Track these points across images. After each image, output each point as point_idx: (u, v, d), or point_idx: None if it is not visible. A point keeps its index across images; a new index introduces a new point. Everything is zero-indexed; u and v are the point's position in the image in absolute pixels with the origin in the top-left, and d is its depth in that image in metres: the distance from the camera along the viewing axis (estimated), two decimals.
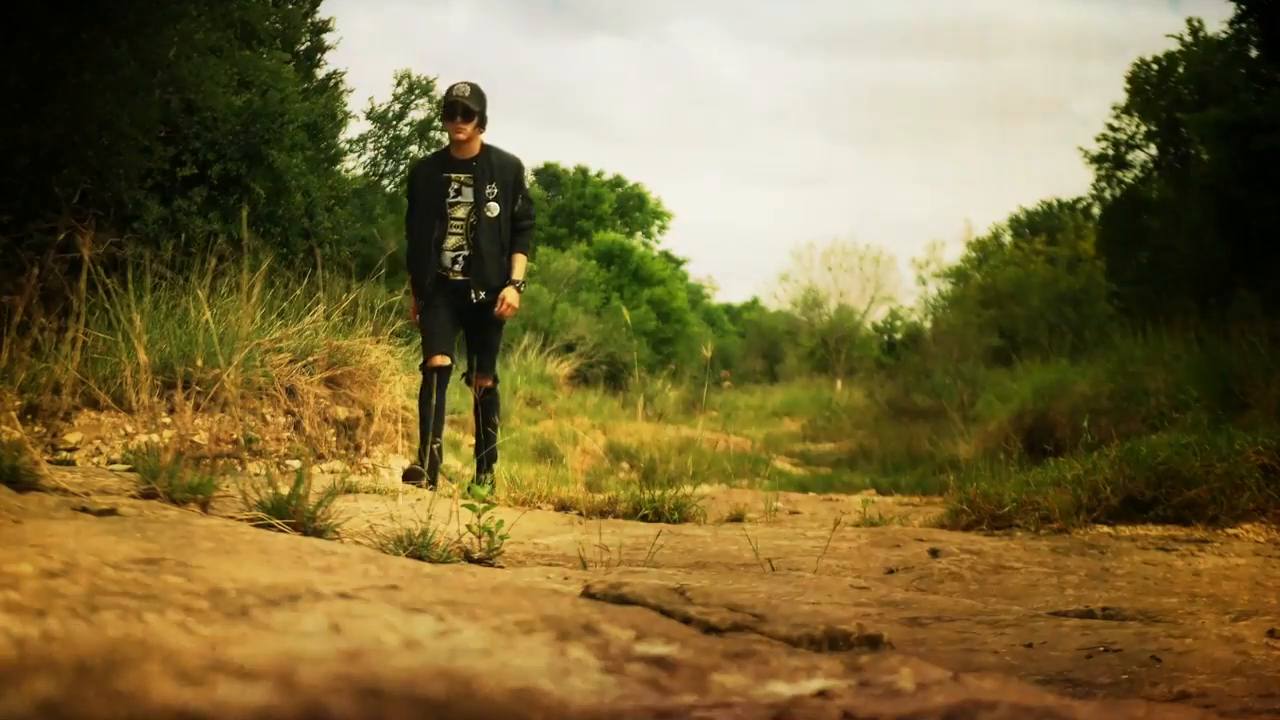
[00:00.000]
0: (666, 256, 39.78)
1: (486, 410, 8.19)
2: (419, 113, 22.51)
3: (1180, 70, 24.77)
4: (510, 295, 7.93)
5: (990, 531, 5.45)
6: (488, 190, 7.82)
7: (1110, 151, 26.12)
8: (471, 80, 7.86)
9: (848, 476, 18.44)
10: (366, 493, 6.25)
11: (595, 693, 1.27)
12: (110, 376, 8.88)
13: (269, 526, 3.08)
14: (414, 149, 22.64)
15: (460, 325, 8.12)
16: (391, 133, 22.38)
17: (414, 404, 11.38)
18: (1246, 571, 4.19)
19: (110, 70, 11.77)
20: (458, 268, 7.85)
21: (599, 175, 41.56)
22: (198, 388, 8.94)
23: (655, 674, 1.39)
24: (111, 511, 2.73)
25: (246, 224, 14.04)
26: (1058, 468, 5.86)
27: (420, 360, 8.13)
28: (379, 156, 22.81)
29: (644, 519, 5.89)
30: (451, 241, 7.88)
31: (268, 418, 8.99)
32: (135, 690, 0.87)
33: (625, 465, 19.95)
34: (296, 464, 8.86)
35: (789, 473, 22.34)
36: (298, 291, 10.31)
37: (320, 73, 19.52)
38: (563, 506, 6.21)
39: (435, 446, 7.74)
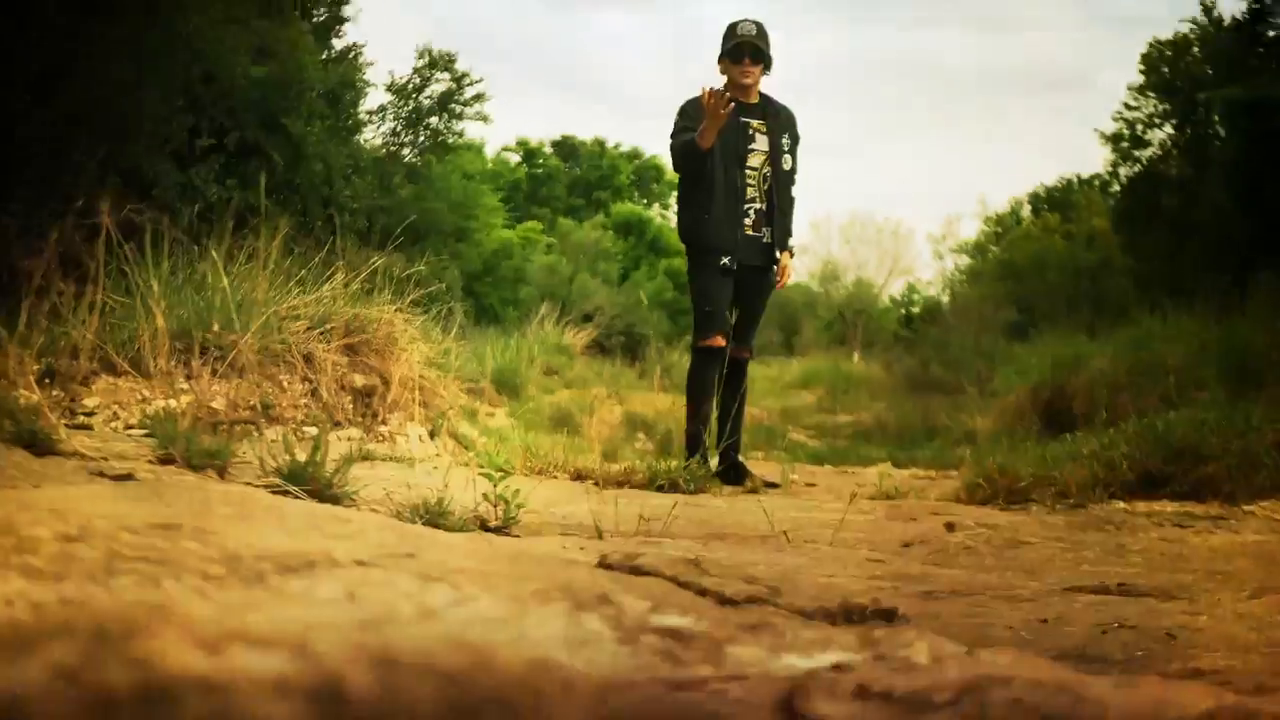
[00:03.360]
0: None
1: (740, 385, 7.28)
2: (439, 85, 22.47)
3: (1196, 50, 24.65)
4: (790, 264, 7.34)
5: (1006, 506, 5.44)
6: (784, 141, 7.17)
7: (1126, 131, 26.03)
8: (754, 18, 7.06)
9: (864, 449, 18.45)
10: (384, 460, 6.26)
11: (610, 664, 1.28)
12: (128, 342, 8.90)
13: (286, 493, 3.08)
14: (434, 120, 22.60)
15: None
16: (412, 103, 22.35)
17: (431, 374, 11.39)
18: (1262, 548, 4.19)
19: (130, 40, 11.77)
20: (748, 221, 7.09)
21: (616, 147, 41.56)
22: (215, 353, 8.98)
23: (670, 646, 1.39)
24: (129, 476, 2.74)
25: (264, 191, 14.08)
26: (1074, 443, 5.86)
27: (699, 335, 7.16)
28: (399, 127, 22.75)
29: (660, 489, 5.89)
30: (746, 194, 7.09)
31: (285, 384, 9.00)
32: (153, 656, 0.88)
33: (642, 435, 19.98)
34: (313, 430, 8.88)
35: (805, 445, 22.36)
36: (316, 259, 10.32)
37: (339, 44, 19.50)
38: (579, 476, 6.20)
39: (701, 429, 6.99)
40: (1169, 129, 25.94)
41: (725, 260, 6.84)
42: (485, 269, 27.89)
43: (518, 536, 3.36)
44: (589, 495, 5.51)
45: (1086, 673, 1.55)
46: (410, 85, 21.96)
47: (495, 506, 3.36)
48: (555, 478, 6.17)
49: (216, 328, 8.94)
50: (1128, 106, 25.83)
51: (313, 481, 3.13)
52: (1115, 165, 27.40)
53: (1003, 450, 14.03)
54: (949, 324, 30.03)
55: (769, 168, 7.06)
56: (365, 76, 18.80)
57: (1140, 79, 25.61)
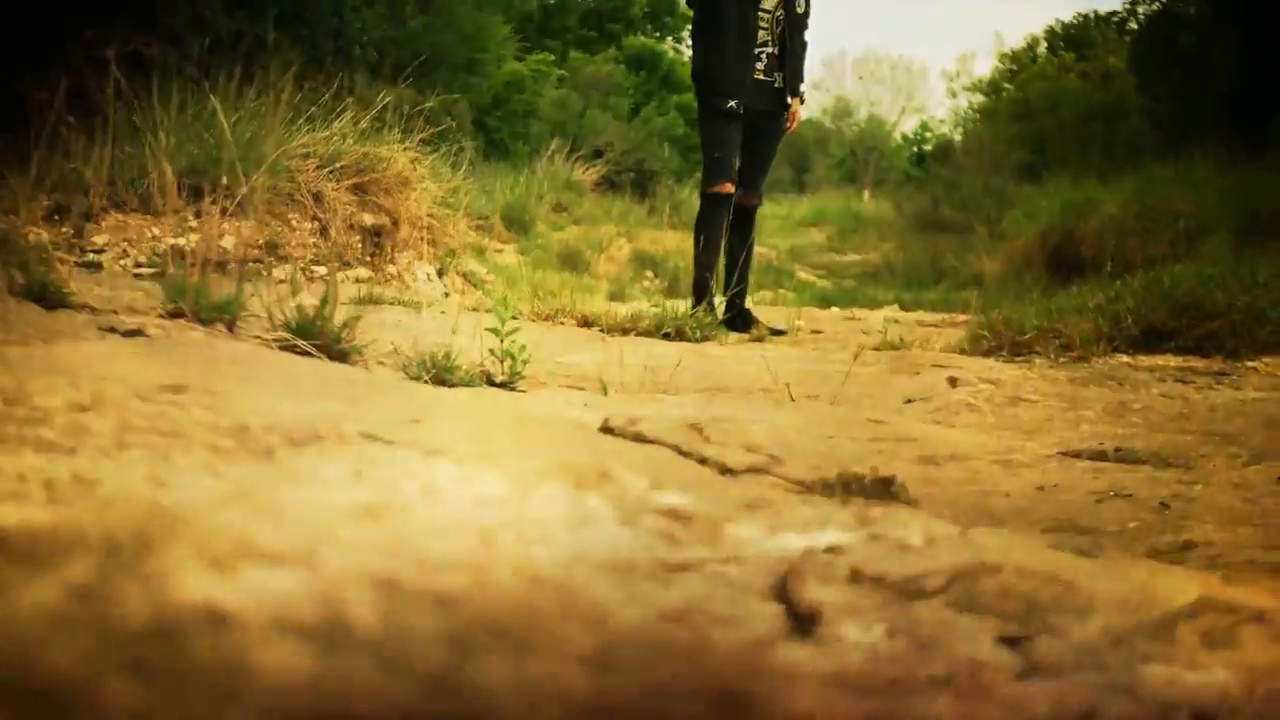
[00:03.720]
0: None
1: (748, 232, 7.24)
2: None
3: None
4: (799, 109, 7.20)
5: (1010, 358, 5.47)
6: None
7: None
8: None
9: (871, 290, 18.46)
10: (391, 304, 6.26)
11: (610, 548, 1.30)
12: (137, 179, 8.89)
13: (294, 348, 3.11)
14: None
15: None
16: None
17: (440, 212, 11.37)
18: (1261, 408, 4.22)
19: None
20: (760, 66, 6.94)
21: None
22: (224, 192, 8.97)
23: (669, 526, 1.42)
24: (139, 332, 2.76)
25: (273, 24, 13.95)
26: (1079, 295, 5.87)
27: (708, 181, 7.05)
28: None
29: (666, 337, 5.91)
30: (759, 38, 6.91)
31: (294, 224, 9.01)
32: (165, 574, 0.90)
33: (650, 274, 20.00)
34: (322, 270, 8.90)
35: (813, 284, 22.39)
36: (326, 95, 10.26)
37: None
38: (586, 323, 6.21)
39: (708, 276, 6.96)
40: None
41: (733, 104, 6.77)
42: (496, 102, 27.68)
43: (523, 391, 3.38)
44: (595, 343, 5.54)
45: (1078, 547, 1.59)
46: None
47: (502, 362, 3.37)
48: (562, 324, 6.19)
49: (225, 167, 8.93)
50: None
51: (321, 336, 3.15)
52: (1133, 3, 27.09)
53: (1009, 299, 14.08)
54: (960, 163, 29.85)
55: (782, 10, 6.92)
56: None
57: None
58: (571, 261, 18.68)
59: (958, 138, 39.71)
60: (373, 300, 6.25)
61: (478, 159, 23.30)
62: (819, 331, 7.34)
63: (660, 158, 28.03)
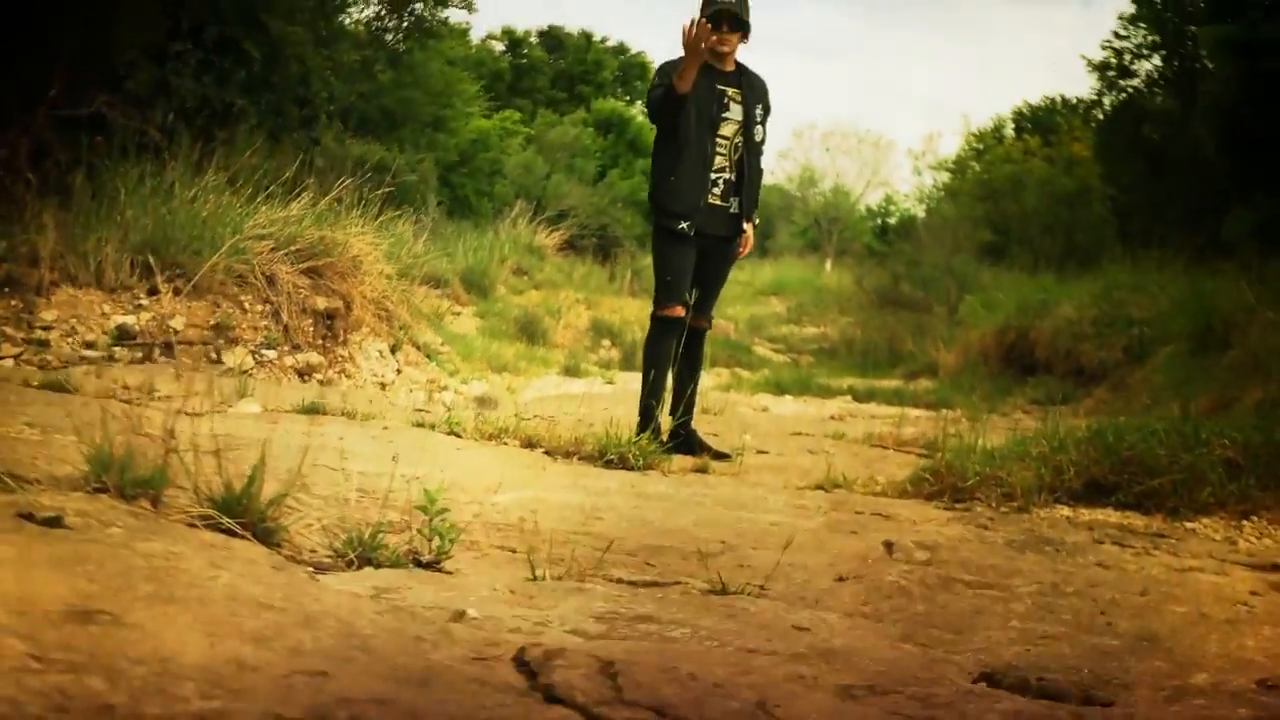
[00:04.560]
0: None
1: (698, 354, 7.22)
2: None
3: None
4: (751, 235, 7.22)
5: (951, 504, 5.48)
6: (757, 112, 7.04)
7: (1114, 60, 26.00)
8: None
9: (826, 377, 18.53)
10: (335, 415, 6.22)
11: None
12: (92, 252, 8.85)
13: (218, 526, 3.08)
14: (418, 4, 22.36)
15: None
16: None
17: (396, 294, 11.36)
18: (1194, 589, 4.23)
19: None
20: (717, 191, 6.95)
21: (602, 41, 41.14)
22: (177, 270, 8.94)
23: None
24: (58, 521, 2.73)
25: (240, 89, 13.95)
26: (1023, 443, 5.86)
27: (659, 304, 6.98)
28: (383, 10, 22.53)
29: (609, 464, 5.88)
30: (715, 163, 6.94)
31: (246, 306, 9.00)
32: None
33: (607, 343, 20.03)
34: (272, 354, 8.89)
35: (769, 359, 22.48)
36: (287, 175, 10.26)
37: None
38: (529, 443, 6.18)
39: (654, 403, 6.86)
40: (1157, 60, 25.91)
41: (684, 225, 6.78)
42: (461, 159, 27.74)
43: (449, 573, 3.35)
44: (535, 473, 5.52)
45: None
46: None
47: (429, 540, 3.35)
48: (506, 444, 6.16)
49: (180, 246, 8.91)
50: (1117, 35, 25.75)
51: (247, 514, 3.12)
52: (1100, 94, 27.38)
53: (963, 393, 14.17)
54: (923, 240, 30.04)
55: (741, 137, 6.94)
56: None
57: (1131, 8, 25.52)
58: (529, 329, 18.69)
59: (921, 214, 39.97)
60: (316, 410, 6.22)
61: (441, 217, 23.40)
62: (764, 452, 7.33)
63: (624, 224, 28.13)
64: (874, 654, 3.01)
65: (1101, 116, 28.48)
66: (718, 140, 6.86)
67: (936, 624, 3.47)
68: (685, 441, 6.82)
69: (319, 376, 9.01)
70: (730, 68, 6.97)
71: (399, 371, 10.98)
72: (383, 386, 10.31)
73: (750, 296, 30.66)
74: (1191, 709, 2.80)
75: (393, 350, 11.05)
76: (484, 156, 28.42)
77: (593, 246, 27.36)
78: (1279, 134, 17.88)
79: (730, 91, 6.90)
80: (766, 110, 7.10)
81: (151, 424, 3.75)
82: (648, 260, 25.11)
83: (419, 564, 3.34)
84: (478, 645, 2.59)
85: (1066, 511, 5.43)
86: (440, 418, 6.48)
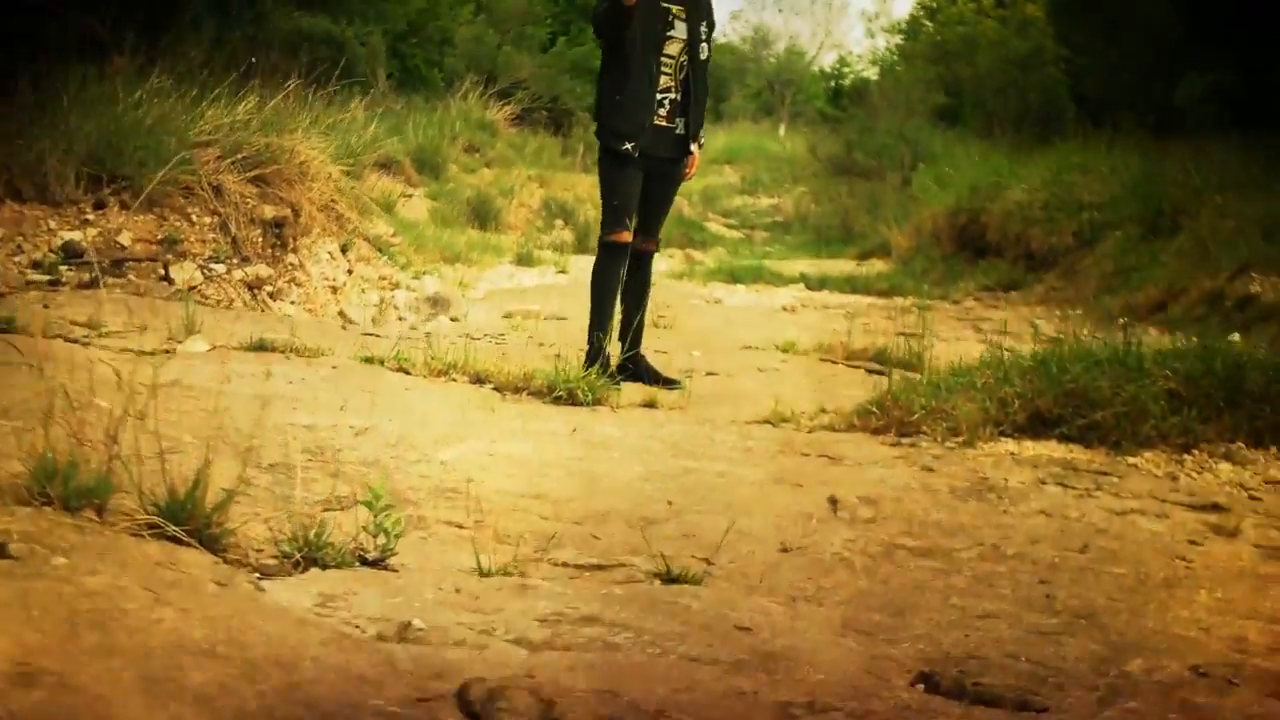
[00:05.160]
0: None
1: (647, 279, 7.19)
2: None
3: None
4: (698, 155, 7.15)
5: (898, 440, 5.52)
6: (702, 29, 6.93)
7: None
8: None
9: (780, 254, 18.54)
10: (283, 353, 6.18)
11: None
12: (34, 164, 8.71)
13: (163, 533, 3.10)
14: None
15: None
16: None
17: (343, 197, 11.27)
18: (1136, 540, 4.30)
19: None
20: (662, 112, 6.85)
21: None
22: (124, 183, 8.82)
23: None
24: (3, 550, 2.74)
25: None
26: (968, 374, 5.89)
27: (605, 229, 6.94)
28: None
29: (558, 400, 5.89)
30: (661, 83, 6.84)
31: (194, 218, 8.90)
32: None
33: (560, 222, 19.96)
34: (221, 268, 8.80)
35: (723, 236, 22.46)
36: (233, 76, 10.12)
37: None
38: (478, 379, 6.16)
39: (602, 335, 6.85)
40: None
41: (628, 146, 6.72)
42: (411, 29, 27.38)
43: (395, 570, 3.38)
44: (483, 414, 5.54)
45: None
46: None
47: (375, 538, 3.37)
48: (454, 380, 6.15)
49: (126, 157, 8.80)
50: None
51: (192, 519, 3.14)
52: None
53: (914, 278, 14.22)
54: (875, 106, 29.89)
55: (686, 56, 6.85)
56: None
57: None
58: (482, 211, 18.58)
59: (874, 77, 39.71)
60: (264, 347, 6.20)
61: (391, 91, 23.14)
62: (713, 374, 7.35)
63: (575, 94, 27.89)
64: (815, 656, 3.05)
65: None
66: (663, 60, 6.77)
67: (877, 605, 3.53)
68: (634, 371, 6.83)
69: (269, 288, 8.95)
70: None
71: (350, 271, 10.91)
72: (334, 290, 10.26)
73: (704, 166, 30.29)
74: (1123, 714, 2.87)
75: (343, 250, 10.96)
76: (434, 25, 28.07)
77: (545, 119, 27.14)
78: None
79: (675, 9, 6.79)
80: (711, 27, 7.02)
81: (102, 386, 3.76)
82: None
83: (365, 562, 3.36)
84: (421, 679, 2.62)
85: (1011, 446, 5.48)
86: (389, 351, 6.45)
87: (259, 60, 12.59)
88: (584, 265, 15.00)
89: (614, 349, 6.89)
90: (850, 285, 14.50)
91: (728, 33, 49.24)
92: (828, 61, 48.94)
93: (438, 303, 10.65)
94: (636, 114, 6.74)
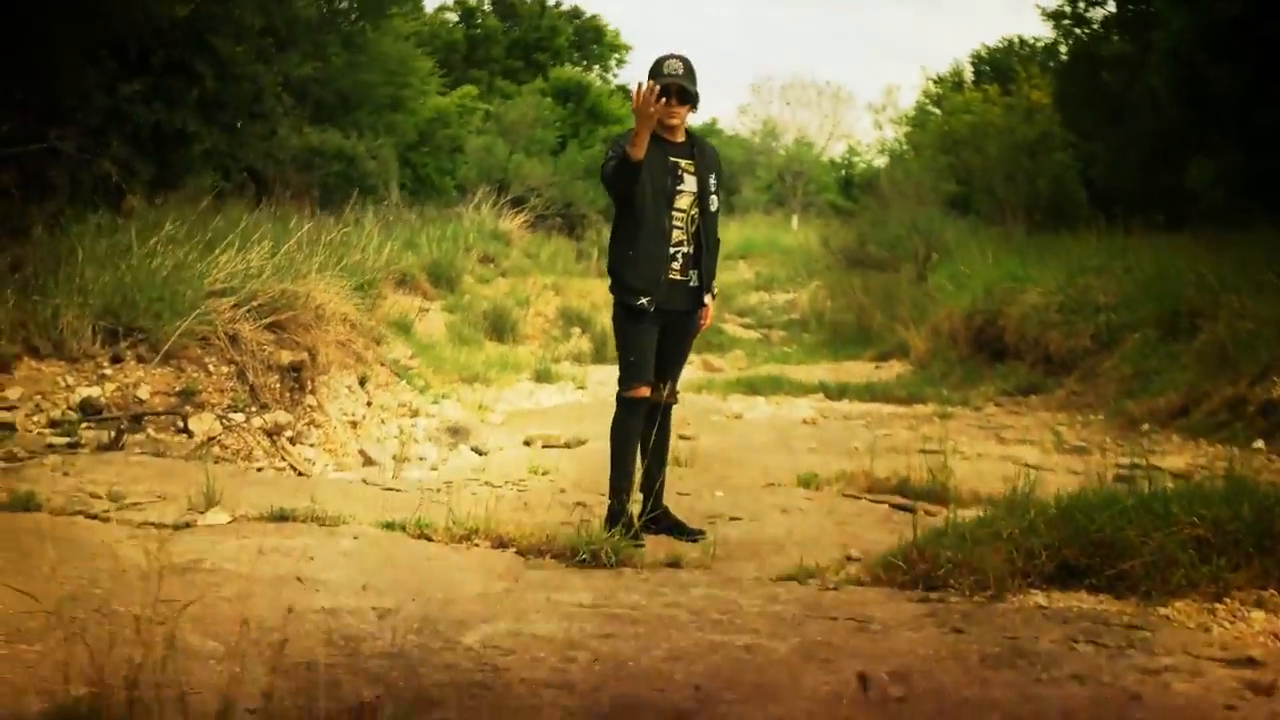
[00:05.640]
0: (624, 92, 38.82)
1: (665, 435, 7.20)
2: None
3: None
4: (712, 306, 7.16)
5: (925, 594, 5.47)
6: (711, 181, 6.96)
7: (1067, 7, 25.96)
8: (679, 53, 6.82)
9: (798, 357, 18.53)
10: (304, 521, 6.17)
11: None
12: (51, 321, 8.75)
13: None
14: None
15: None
16: None
17: (359, 335, 11.31)
18: (1170, 706, 4.24)
19: None
20: (676, 265, 6.87)
21: (557, 6, 40.81)
22: (139, 336, 8.85)
23: None
24: None
25: (193, 111, 13.83)
26: (994, 522, 5.84)
27: (623, 385, 6.92)
28: None
29: (582, 564, 5.86)
30: (674, 237, 6.86)
31: (210, 368, 8.93)
32: None
33: (577, 330, 20.00)
34: (240, 418, 8.81)
35: (741, 339, 22.49)
36: (244, 222, 10.21)
37: None
38: (500, 543, 6.14)
39: (624, 496, 6.81)
40: (1111, 5, 25.86)
41: (644, 301, 6.73)
42: (421, 138, 27.63)
43: None
44: (505, 585, 5.50)
45: None
46: None
47: None
48: (477, 545, 6.13)
49: (141, 309, 8.83)
50: None
51: None
52: (1057, 42, 27.39)
53: (932, 383, 14.18)
54: (886, 196, 29.97)
55: (696, 209, 6.88)
56: None
57: None
58: (499, 323, 18.66)
59: (884, 163, 39.91)
60: (285, 517, 6.19)
61: (404, 201, 23.29)
62: (737, 519, 7.32)
63: (587, 198, 28.08)
64: None
65: (1057, 65, 28.51)
66: (674, 213, 6.78)
67: None
68: (658, 527, 6.81)
69: (288, 433, 8.95)
70: (681, 138, 6.88)
71: (369, 404, 10.94)
72: (354, 425, 10.28)
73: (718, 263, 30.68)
74: None
75: (361, 383, 11.01)
76: (444, 134, 28.33)
77: (559, 224, 27.32)
78: (1234, 84, 17.84)
79: (683, 163, 6.83)
80: (719, 177, 7.05)
81: (122, 580, 3.73)
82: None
83: None
84: None
85: (1040, 598, 5.44)
86: (410, 514, 6.44)
87: (273, 176, 12.69)
88: (602, 378, 15.04)
89: (635, 504, 6.85)
90: (870, 393, 14.46)
91: (736, 127, 49.51)
92: (837, 151, 49.31)
93: (458, 432, 10.65)
94: (651, 269, 6.75)
